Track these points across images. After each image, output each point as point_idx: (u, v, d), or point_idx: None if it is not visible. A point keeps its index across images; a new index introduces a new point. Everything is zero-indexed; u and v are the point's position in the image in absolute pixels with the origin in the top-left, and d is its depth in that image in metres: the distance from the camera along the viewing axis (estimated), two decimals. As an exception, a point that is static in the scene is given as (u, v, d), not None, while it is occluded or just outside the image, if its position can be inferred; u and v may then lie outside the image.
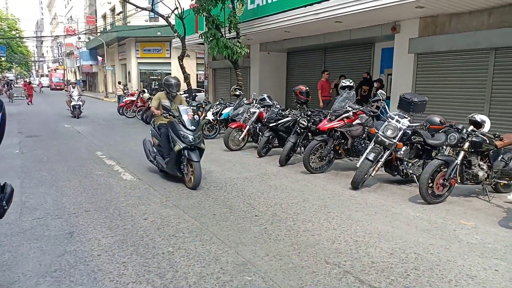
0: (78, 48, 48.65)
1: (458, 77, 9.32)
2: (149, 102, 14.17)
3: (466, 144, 5.16)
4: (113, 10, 37.28)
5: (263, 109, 8.97)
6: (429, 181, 5.08)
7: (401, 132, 5.80)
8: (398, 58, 10.67)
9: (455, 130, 5.32)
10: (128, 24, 31.82)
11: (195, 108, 5.90)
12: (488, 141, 5.21)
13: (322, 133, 6.92)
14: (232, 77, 18.20)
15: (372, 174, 5.86)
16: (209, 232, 4.13)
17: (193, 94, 16.34)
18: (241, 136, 8.94)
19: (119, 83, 25.45)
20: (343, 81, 7.39)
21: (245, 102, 10.26)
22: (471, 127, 5.29)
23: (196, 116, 6.00)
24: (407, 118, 6.02)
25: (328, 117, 6.89)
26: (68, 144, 9.75)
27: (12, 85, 31.86)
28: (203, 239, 3.95)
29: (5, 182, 2.57)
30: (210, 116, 10.75)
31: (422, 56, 10.08)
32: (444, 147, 6.07)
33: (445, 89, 9.56)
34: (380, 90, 6.92)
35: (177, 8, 16.92)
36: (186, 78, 17.63)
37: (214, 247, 3.77)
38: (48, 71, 75.68)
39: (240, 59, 13.63)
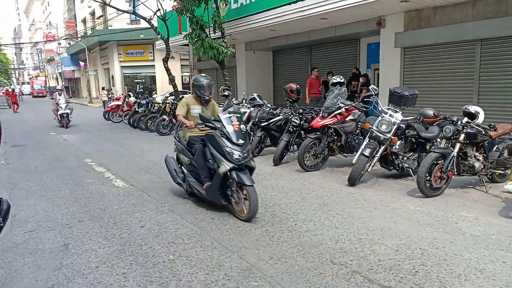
0: (58, 54, 47.86)
1: (445, 69, 9.39)
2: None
3: (462, 136, 5.16)
4: (93, 14, 36.77)
5: (253, 109, 8.88)
6: (427, 175, 5.06)
7: (395, 127, 5.79)
8: (384, 52, 10.70)
9: (450, 122, 5.31)
10: (109, 28, 31.39)
11: (240, 115, 4.78)
12: (483, 132, 5.21)
13: (315, 130, 6.87)
14: (218, 78, 18.06)
15: (369, 170, 5.82)
16: (210, 237, 4.03)
17: (181, 96, 16.12)
18: (233, 137, 8.82)
19: (103, 88, 25.13)
20: (334, 77, 7.36)
21: (234, 102, 10.15)
22: (466, 119, 5.29)
23: (243, 126, 4.71)
24: (399, 112, 6.01)
25: (320, 114, 6.84)
26: (55, 153, 9.52)
27: None
28: (204, 245, 3.85)
29: (1, 198, 2.43)
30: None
31: (409, 49, 10.13)
32: (439, 139, 6.09)
33: (433, 81, 9.62)
34: (372, 85, 6.88)
35: (159, 9, 16.72)
36: (172, 80, 17.45)
37: (216, 252, 3.67)
38: (29, 78, 74.34)
39: (226, 59, 13.53)
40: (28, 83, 69.10)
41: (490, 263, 3.33)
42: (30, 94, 54.36)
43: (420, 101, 6.90)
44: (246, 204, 4.41)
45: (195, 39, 12.70)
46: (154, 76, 31.44)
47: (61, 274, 3.35)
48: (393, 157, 6.04)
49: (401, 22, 10.08)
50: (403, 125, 5.90)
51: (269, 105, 8.69)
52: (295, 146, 7.69)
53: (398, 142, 5.90)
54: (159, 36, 17.23)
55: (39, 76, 62.85)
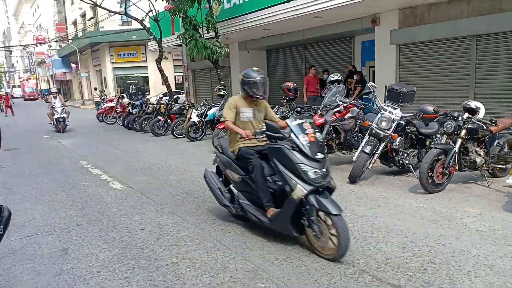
0: (49, 56, 47.38)
1: (441, 66, 9.38)
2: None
3: (463, 132, 5.14)
4: (83, 16, 36.45)
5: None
6: (429, 171, 5.03)
7: (395, 123, 5.76)
8: (379, 50, 10.67)
9: (451, 118, 5.29)
10: (100, 29, 31.14)
11: (312, 120, 3.75)
12: (484, 127, 5.19)
13: (314, 128, 6.81)
14: (212, 78, 18.00)
15: (369, 167, 5.79)
16: (212, 239, 3.96)
17: (176, 97, 16.03)
18: (230, 137, 8.74)
19: (95, 89, 24.93)
20: (331, 75, 7.33)
21: (230, 102, 10.06)
22: (466, 114, 5.27)
23: (318, 135, 3.65)
24: (398, 109, 5.99)
25: (319, 113, 6.79)
26: (49, 156, 9.37)
27: None
28: (207, 247, 3.77)
29: (1, 205, 2.34)
30: (195, 117, 10.52)
31: (404, 47, 10.11)
32: (438, 135, 6.07)
33: (429, 78, 9.61)
34: (370, 82, 6.85)
35: (151, 10, 16.61)
36: (166, 80, 17.37)
37: (220, 254, 3.60)
38: (20, 81, 73.62)
39: (220, 59, 13.45)
40: (19, 86, 68.41)
41: (498, 259, 3.29)
42: (21, 97, 53.79)
43: (416, 98, 6.89)
44: (333, 237, 3.34)
45: (189, 39, 12.61)
46: (147, 77, 31.26)
47: (62, 280, 3.26)
48: (393, 153, 6.01)
49: (396, 19, 10.06)
50: (402, 122, 5.88)
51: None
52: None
53: (398, 139, 5.88)
54: (152, 37, 17.13)
55: (30, 79, 62.23)
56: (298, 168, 3.45)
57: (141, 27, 18.11)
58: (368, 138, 5.83)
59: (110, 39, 28.76)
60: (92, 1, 19.01)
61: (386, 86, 6.50)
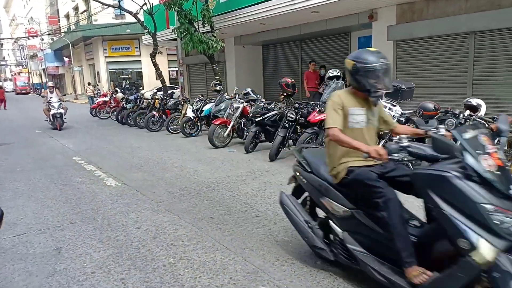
0: (42, 49, 46.80)
1: (439, 62, 9.33)
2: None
3: (464, 129, 5.06)
4: (76, 8, 35.99)
5: (246, 103, 8.70)
6: (430, 169, 4.94)
7: (395, 120, 5.67)
8: (377, 46, 10.55)
9: (452, 115, 5.22)
10: (94, 23, 30.76)
11: (487, 131, 2.55)
12: (486, 125, 5.12)
13: (312, 125, 6.73)
14: (207, 73, 17.86)
15: (368, 165, 5.70)
16: (211, 238, 3.85)
17: (171, 92, 15.88)
18: (226, 133, 8.64)
19: (89, 84, 24.68)
20: (331, 71, 7.24)
21: (226, 97, 9.96)
22: (468, 112, 5.20)
23: (501, 154, 2.39)
24: (396, 105, 5.92)
25: (317, 109, 6.69)
26: (42, 151, 9.19)
27: None
28: (205, 247, 3.67)
29: None
30: (190, 113, 10.39)
31: (402, 43, 10.05)
32: (438, 133, 5.99)
33: (426, 75, 9.57)
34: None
35: (145, 3, 16.41)
36: (160, 75, 17.20)
37: (219, 254, 3.50)
38: (12, 75, 72.71)
39: (215, 54, 13.32)
40: (10, 80, 67.55)
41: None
42: (13, 91, 53.12)
43: (414, 95, 6.86)
44: None
45: (184, 33, 12.46)
46: (141, 71, 30.96)
47: (55, 281, 3.15)
48: (393, 151, 5.92)
49: (393, 15, 9.99)
50: (402, 119, 5.80)
51: (263, 100, 8.52)
52: (291, 141, 7.53)
53: (398, 136, 5.79)
54: (146, 30, 16.93)
55: (22, 72, 61.48)
56: (482, 212, 2.16)
57: (135, 20, 17.89)
58: (368, 136, 5.73)
59: (103, 33, 28.40)
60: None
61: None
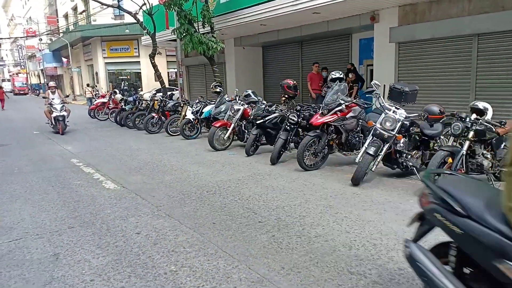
0: (40, 50, 46.64)
1: (442, 65, 9.24)
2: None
3: (471, 133, 4.97)
4: (75, 9, 35.88)
5: (247, 105, 8.60)
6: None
7: (399, 124, 5.58)
8: (379, 48, 10.50)
9: (458, 119, 5.12)
10: (92, 23, 30.63)
11: None
12: (493, 129, 5.03)
13: (314, 128, 6.62)
14: (207, 74, 17.75)
15: (373, 169, 5.61)
16: (213, 245, 3.74)
17: (170, 93, 15.75)
18: (226, 135, 8.53)
19: (88, 85, 24.54)
20: (333, 73, 7.14)
21: (226, 99, 9.85)
22: (474, 115, 5.10)
23: None
24: (400, 108, 5.82)
25: (320, 111, 6.59)
26: (40, 153, 9.06)
27: None
28: (207, 253, 3.56)
29: None
30: (190, 115, 10.28)
31: (404, 45, 9.95)
32: (442, 137, 5.91)
33: (429, 77, 9.47)
34: (374, 81, 6.65)
35: (145, 3, 16.30)
36: (159, 76, 17.09)
37: (222, 262, 3.39)
38: (10, 75, 72.43)
39: (215, 55, 13.21)
40: (8, 80, 67.29)
41: None
42: (11, 92, 52.89)
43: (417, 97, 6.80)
44: None
45: (184, 34, 12.35)
46: (140, 72, 30.84)
47: (52, 289, 3.03)
48: (397, 155, 5.84)
49: (396, 16, 9.90)
50: (407, 122, 5.71)
51: (265, 102, 8.41)
52: (292, 144, 7.43)
53: (402, 140, 5.71)
54: (145, 31, 16.81)
55: (20, 73, 61.25)
56: None
57: (135, 21, 17.78)
58: (372, 139, 5.64)
59: (102, 33, 28.29)
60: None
61: (384, 85, 6.33)
